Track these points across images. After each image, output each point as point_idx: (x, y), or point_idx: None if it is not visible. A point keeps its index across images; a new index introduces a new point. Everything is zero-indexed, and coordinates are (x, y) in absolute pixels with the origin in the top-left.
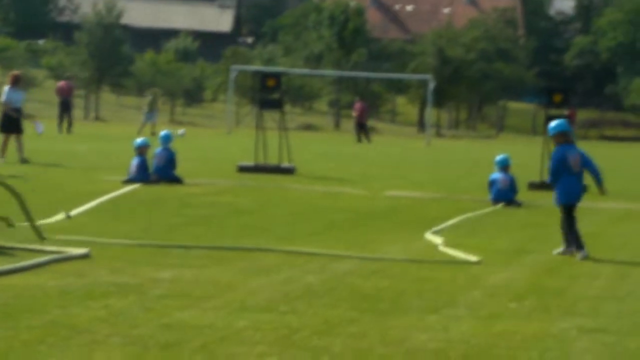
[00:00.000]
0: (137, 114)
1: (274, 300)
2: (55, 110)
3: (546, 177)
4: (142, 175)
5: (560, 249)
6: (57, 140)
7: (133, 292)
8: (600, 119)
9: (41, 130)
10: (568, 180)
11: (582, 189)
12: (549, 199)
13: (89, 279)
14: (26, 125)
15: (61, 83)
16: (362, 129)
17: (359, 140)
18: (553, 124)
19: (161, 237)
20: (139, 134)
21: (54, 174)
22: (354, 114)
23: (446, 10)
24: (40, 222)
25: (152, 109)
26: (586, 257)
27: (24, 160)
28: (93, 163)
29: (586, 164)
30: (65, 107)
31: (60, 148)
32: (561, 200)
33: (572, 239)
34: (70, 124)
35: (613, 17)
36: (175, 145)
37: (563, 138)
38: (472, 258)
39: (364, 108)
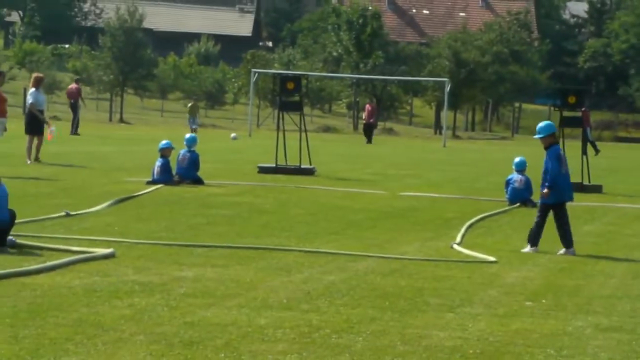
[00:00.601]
0: (159, 117)
1: (295, 299)
2: (81, 113)
3: None
4: (165, 176)
5: (528, 248)
6: (80, 142)
7: (157, 291)
8: (614, 120)
9: (53, 133)
10: (563, 179)
11: (570, 188)
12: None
13: (114, 278)
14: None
15: (70, 86)
16: (369, 130)
17: (369, 141)
18: (542, 124)
19: (184, 237)
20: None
21: (79, 174)
22: (364, 115)
23: (461, 14)
24: (42, 217)
25: (193, 116)
26: (537, 251)
27: (37, 160)
28: (117, 164)
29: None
30: (73, 109)
31: (85, 149)
32: (558, 199)
33: (538, 235)
34: (76, 126)
35: (625, 20)
36: (197, 148)
37: (553, 139)
38: (489, 258)
39: (372, 110)
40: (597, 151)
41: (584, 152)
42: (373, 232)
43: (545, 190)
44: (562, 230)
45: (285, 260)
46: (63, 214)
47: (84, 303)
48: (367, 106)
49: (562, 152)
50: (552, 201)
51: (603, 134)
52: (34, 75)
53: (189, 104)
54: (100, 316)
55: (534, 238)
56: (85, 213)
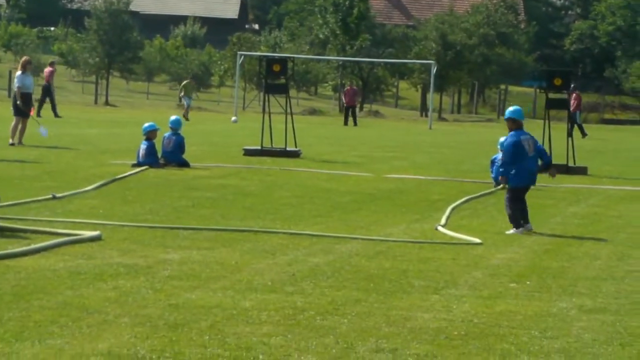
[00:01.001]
0: (145, 99)
1: (280, 281)
2: (67, 96)
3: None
4: (151, 159)
5: (512, 230)
6: (65, 124)
7: (142, 274)
8: (600, 102)
9: (46, 134)
10: (527, 163)
11: (537, 172)
12: (549, 181)
13: (99, 260)
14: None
15: (46, 69)
16: (350, 112)
17: (346, 123)
18: (511, 109)
19: (169, 220)
20: (186, 118)
21: (64, 157)
22: (344, 98)
23: None
24: (28, 200)
25: (188, 95)
26: (531, 230)
27: (20, 144)
28: (103, 147)
29: (539, 148)
30: (46, 92)
31: (71, 132)
32: (519, 183)
33: (520, 216)
34: (40, 108)
35: (612, 2)
36: (184, 130)
37: (515, 124)
38: (475, 240)
39: (353, 92)
40: (584, 134)
41: (570, 134)
42: (358, 215)
43: (501, 178)
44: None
45: (270, 243)
46: (50, 196)
47: (68, 285)
48: (347, 88)
49: (524, 137)
50: (518, 184)
51: (589, 116)
52: (22, 58)
53: (184, 82)
54: (85, 299)
55: (516, 221)
56: (72, 195)
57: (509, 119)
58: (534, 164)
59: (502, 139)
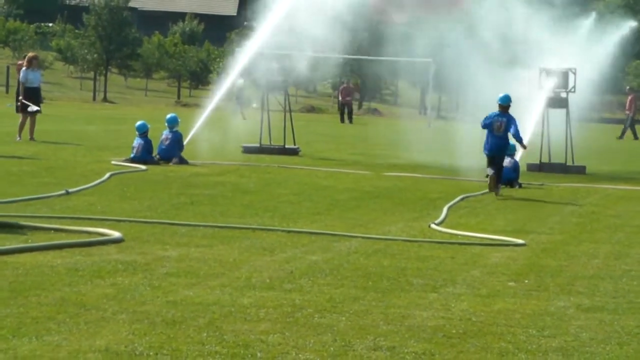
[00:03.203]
0: (143, 96)
1: (278, 279)
2: (65, 92)
3: (545, 159)
4: (144, 155)
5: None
6: (64, 121)
7: (140, 270)
8: (599, 101)
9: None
10: (492, 138)
11: (501, 147)
12: (547, 180)
13: (97, 257)
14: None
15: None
16: (345, 110)
17: (343, 120)
18: (500, 95)
19: (167, 216)
20: (245, 118)
21: (62, 153)
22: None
23: None
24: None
25: (242, 98)
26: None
27: (31, 139)
28: (101, 143)
29: (509, 128)
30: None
31: (69, 128)
32: (486, 151)
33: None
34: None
35: (611, 0)
36: (182, 127)
37: (501, 107)
38: (517, 240)
39: (348, 90)
40: (635, 137)
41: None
42: (357, 212)
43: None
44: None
45: (269, 240)
46: (63, 192)
47: (66, 282)
48: (343, 86)
49: (498, 119)
50: (485, 152)
51: (588, 115)
52: (28, 54)
53: (238, 82)
54: (83, 295)
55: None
56: (84, 189)
57: (499, 104)
58: (499, 139)
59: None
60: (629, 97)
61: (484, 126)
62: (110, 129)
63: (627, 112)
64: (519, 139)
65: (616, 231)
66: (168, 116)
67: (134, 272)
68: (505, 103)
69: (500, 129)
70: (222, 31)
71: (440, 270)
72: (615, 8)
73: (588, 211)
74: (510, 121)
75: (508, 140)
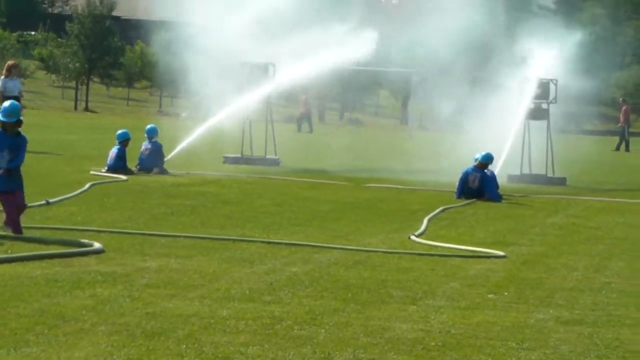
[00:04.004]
0: (125, 106)
1: (258, 290)
2: (46, 101)
3: (526, 170)
4: (117, 162)
5: None
6: (45, 130)
7: (120, 281)
8: (579, 112)
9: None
10: (466, 189)
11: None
12: (527, 191)
13: (77, 268)
14: None
15: None
16: (302, 120)
17: (299, 129)
18: (483, 153)
19: (147, 227)
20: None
21: (44, 163)
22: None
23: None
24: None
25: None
26: None
27: None
28: (83, 153)
29: (484, 185)
30: None
31: (50, 138)
32: (456, 196)
33: None
34: None
35: (593, 11)
36: (160, 137)
37: (480, 164)
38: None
39: (306, 101)
40: (624, 148)
41: (618, 147)
42: (337, 224)
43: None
44: None
45: (249, 251)
46: (44, 202)
47: (45, 293)
48: (304, 97)
49: (474, 174)
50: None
51: (568, 127)
52: (8, 62)
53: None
54: (62, 306)
55: None
56: (64, 199)
57: (479, 162)
58: (473, 191)
59: (476, 155)
60: (623, 109)
61: (460, 178)
62: (92, 138)
63: (621, 124)
64: (496, 199)
65: (596, 243)
66: (147, 127)
67: (114, 283)
68: (485, 161)
69: (474, 182)
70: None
71: (420, 282)
72: (598, 19)
73: (568, 223)
74: (486, 179)
75: (482, 193)
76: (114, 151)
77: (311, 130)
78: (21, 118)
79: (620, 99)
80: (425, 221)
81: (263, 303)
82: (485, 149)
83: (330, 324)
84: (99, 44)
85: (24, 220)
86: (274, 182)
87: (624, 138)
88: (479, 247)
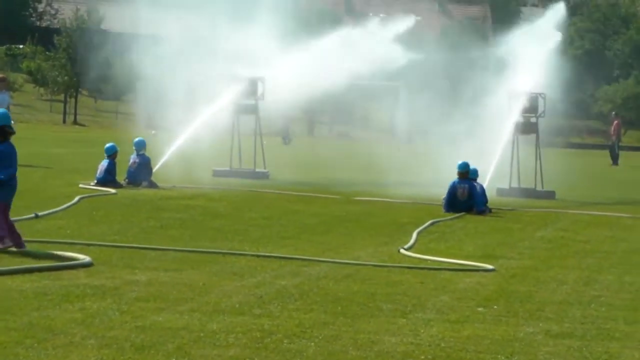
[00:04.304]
0: (113, 119)
1: (247, 303)
2: (35, 114)
3: (514, 183)
4: (106, 176)
5: None
6: (33, 143)
7: (109, 295)
8: (567, 126)
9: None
10: (458, 204)
11: (467, 209)
12: (516, 205)
13: (66, 281)
14: None
15: None
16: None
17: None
18: (459, 162)
19: (137, 240)
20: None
21: (32, 176)
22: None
23: (417, 18)
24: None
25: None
26: None
27: None
28: (71, 166)
29: (473, 195)
30: None
31: (38, 151)
32: (445, 210)
33: None
34: None
35: (581, 25)
36: (149, 150)
37: (460, 174)
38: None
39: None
40: (615, 162)
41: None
42: (326, 237)
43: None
44: None
45: (239, 265)
46: (33, 215)
47: (34, 306)
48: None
49: (461, 185)
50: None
51: (555, 140)
52: None
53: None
54: (51, 320)
55: None
56: (53, 213)
57: (458, 171)
58: (463, 203)
59: (460, 162)
60: (614, 122)
61: (448, 191)
62: (80, 151)
63: (612, 137)
64: (483, 212)
65: (585, 257)
66: (135, 140)
67: (103, 297)
68: (463, 170)
69: (463, 195)
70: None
71: (410, 296)
72: (585, 32)
73: (557, 236)
74: (474, 192)
75: (471, 206)
76: (103, 165)
77: (287, 142)
78: (11, 125)
79: (613, 113)
80: (414, 234)
81: (253, 316)
82: (472, 162)
83: (320, 337)
84: (87, 57)
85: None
86: (263, 195)
87: (614, 152)
88: (468, 260)
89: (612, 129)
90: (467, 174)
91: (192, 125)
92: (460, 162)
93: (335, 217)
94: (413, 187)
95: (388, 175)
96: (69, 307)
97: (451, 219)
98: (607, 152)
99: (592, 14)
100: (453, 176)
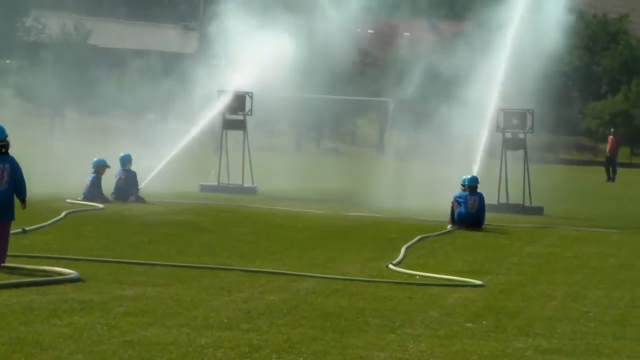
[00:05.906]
0: (101, 134)
1: (235, 319)
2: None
3: (503, 200)
4: (92, 190)
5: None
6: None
7: (97, 310)
8: (556, 142)
9: None
10: (466, 214)
11: (478, 218)
12: (505, 220)
13: (54, 296)
14: None
15: None
16: None
17: None
18: (467, 177)
19: (124, 255)
20: None
21: None
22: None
23: (406, 34)
24: None
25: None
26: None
27: None
28: (57, 182)
29: (482, 206)
30: None
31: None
32: (457, 224)
33: None
34: None
35: (569, 41)
36: (136, 166)
37: (470, 188)
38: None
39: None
40: (609, 178)
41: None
42: (315, 252)
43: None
44: None
45: (227, 280)
46: (20, 230)
47: (22, 321)
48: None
49: (472, 198)
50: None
51: (545, 156)
52: None
53: (148, 117)
54: (39, 335)
55: None
56: (40, 228)
57: (467, 185)
58: (473, 215)
59: (463, 177)
60: (610, 139)
61: (464, 208)
62: (68, 167)
63: (608, 154)
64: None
65: (573, 272)
66: (121, 155)
67: (91, 312)
68: (473, 184)
69: (474, 207)
70: (183, 68)
71: (399, 311)
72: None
73: (546, 252)
74: (483, 205)
75: (480, 219)
76: (89, 179)
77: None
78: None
79: (612, 129)
80: (403, 250)
81: (241, 331)
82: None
83: (309, 352)
84: (75, 72)
85: None
86: (251, 210)
87: (609, 167)
88: (457, 276)
89: (608, 145)
90: (476, 187)
91: (181, 141)
92: (469, 176)
93: (323, 232)
94: (402, 203)
95: (378, 190)
96: (57, 322)
97: (439, 235)
98: (597, 168)
99: (581, 31)
100: (443, 192)
